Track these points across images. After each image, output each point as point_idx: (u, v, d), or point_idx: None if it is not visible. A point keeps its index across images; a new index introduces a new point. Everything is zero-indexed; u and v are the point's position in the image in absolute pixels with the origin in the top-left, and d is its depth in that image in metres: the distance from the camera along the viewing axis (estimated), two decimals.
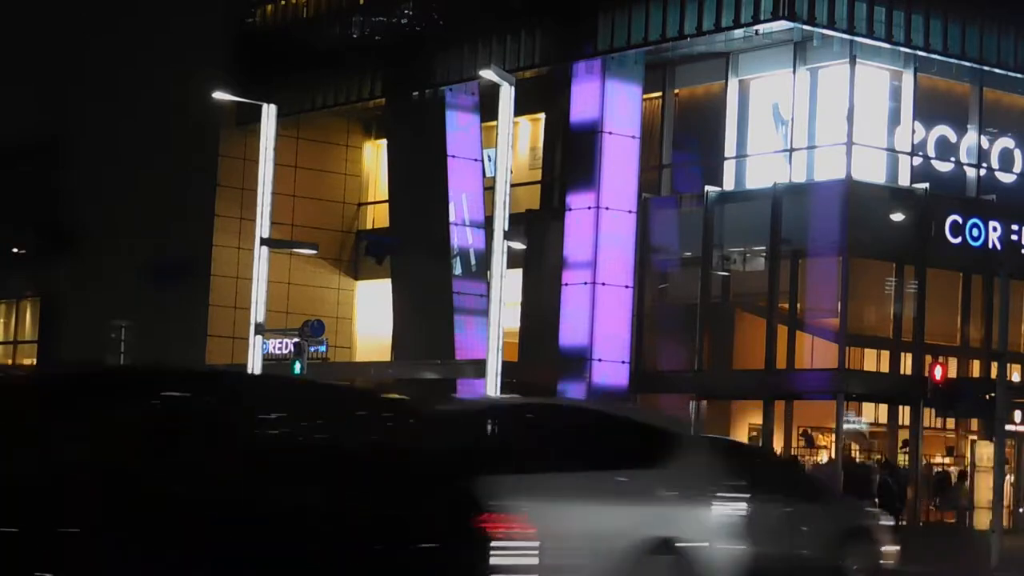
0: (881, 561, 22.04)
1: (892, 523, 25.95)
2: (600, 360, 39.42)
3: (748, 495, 16.10)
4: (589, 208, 39.92)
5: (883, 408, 39.60)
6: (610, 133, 39.92)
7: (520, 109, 37.68)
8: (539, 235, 41.97)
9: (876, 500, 33.18)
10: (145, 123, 50.04)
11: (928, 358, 37.44)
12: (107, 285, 50.59)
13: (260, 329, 40.92)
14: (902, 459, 38.56)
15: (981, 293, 39.52)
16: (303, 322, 42.61)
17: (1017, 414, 37.78)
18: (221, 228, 48.74)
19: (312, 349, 43.70)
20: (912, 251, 38.34)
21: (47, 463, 8.85)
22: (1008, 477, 37.76)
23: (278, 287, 45.60)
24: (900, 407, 38.64)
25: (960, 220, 38.63)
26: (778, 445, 38.06)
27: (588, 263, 39.71)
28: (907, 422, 38.58)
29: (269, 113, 41.53)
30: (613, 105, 40.05)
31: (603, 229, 39.72)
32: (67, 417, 9.09)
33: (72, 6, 52.73)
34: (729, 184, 40.36)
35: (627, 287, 39.89)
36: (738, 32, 38.07)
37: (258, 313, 40.85)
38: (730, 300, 40.74)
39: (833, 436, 37.73)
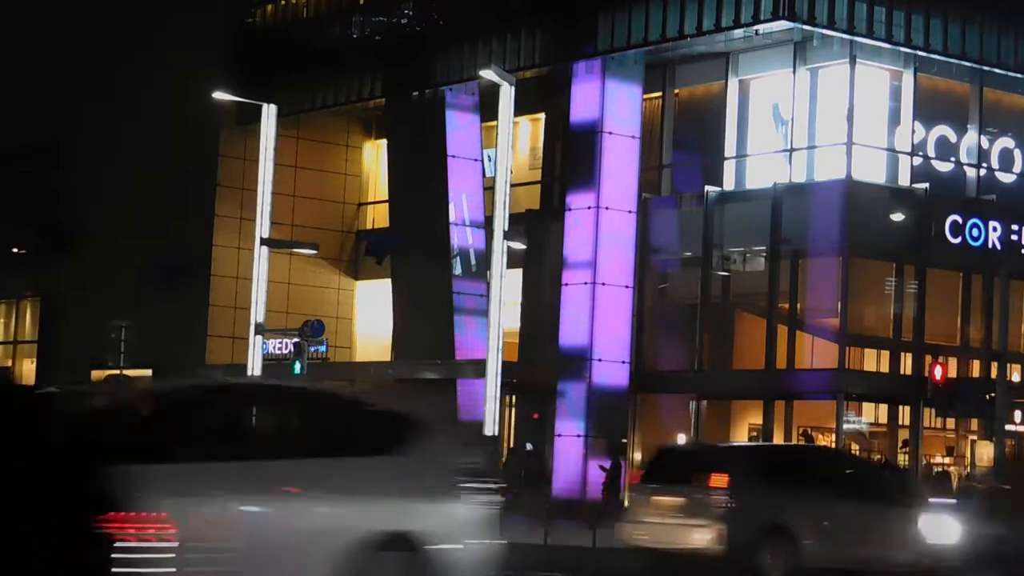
0: None
1: None
2: (600, 360, 39.43)
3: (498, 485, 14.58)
4: (589, 208, 39.92)
5: (883, 408, 39.60)
6: (610, 133, 39.92)
7: (520, 109, 37.72)
8: (539, 235, 41.96)
9: None
10: (145, 123, 50.03)
11: (928, 358, 37.48)
12: (107, 285, 50.59)
13: (260, 329, 40.93)
14: (902, 459, 38.57)
15: (981, 293, 39.53)
16: (303, 322, 42.62)
17: (1017, 414, 37.82)
18: (221, 228, 48.73)
19: (312, 349, 43.70)
20: (912, 251, 38.35)
21: None
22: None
23: (278, 287, 45.59)
24: (900, 407, 38.65)
25: (960, 220, 38.64)
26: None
27: (588, 263, 39.71)
28: (907, 422, 38.59)
29: (269, 113, 41.53)
30: (613, 105, 40.05)
31: (603, 229, 39.72)
32: None
33: (72, 6, 52.72)
34: (729, 184, 40.36)
35: (627, 287, 39.89)
36: (738, 32, 38.07)
37: (258, 313, 40.87)
38: (730, 300, 40.74)
39: (833, 436, 37.72)
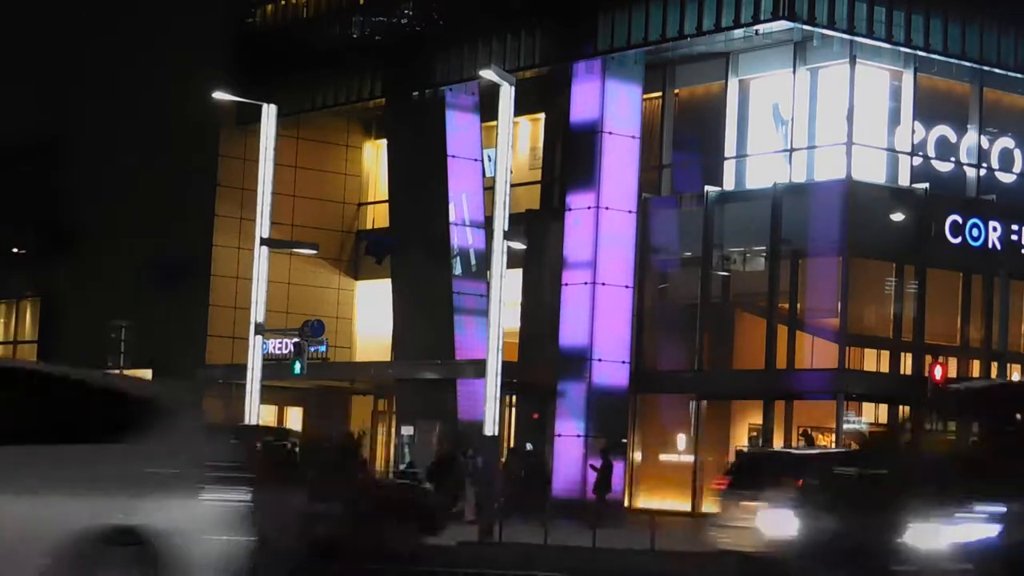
0: None
1: None
2: (600, 360, 39.43)
3: (248, 478, 13.42)
4: (589, 208, 39.92)
5: (883, 408, 39.59)
6: (610, 133, 39.93)
7: (520, 109, 37.67)
8: (539, 235, 41.95)
9: None
10: (145, 123, 50.03)
11: (928, 358, 37.45)
12: (107, 285, 50.60)
13: (260, 329, 40.92)
14: None
15: (981, 293, 39.52)
16: (303, 322, 42.63)
17: (1017, 414, 37.75)
18: (221, 228, 48.73)
19: (312, 349, 43.73)
20: (912, 251, 38.34)
21: None
22: None
23: (278, 287, 45.59)
24: (900, 407, 38.63)
25: (960, 220, 38.64)
26: (779, 445, 38.03)
27: (588, 263, 39.72)
28: None
29: (269, 113, 41.53)
30: (613, 105, 40.05)
31: (603, 229, 39.72)
32: None
33: (72, 6, 52.71)
34: (729, 184, 40.37)
35: (627, 287, 39.90)
36: (738, 32, 38.07)
37: (258, 313, 40.86)
38: (730, 300, 40.74)
39: (833, 436, 37.72)
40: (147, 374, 47.81)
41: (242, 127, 47.12)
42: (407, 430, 43.87)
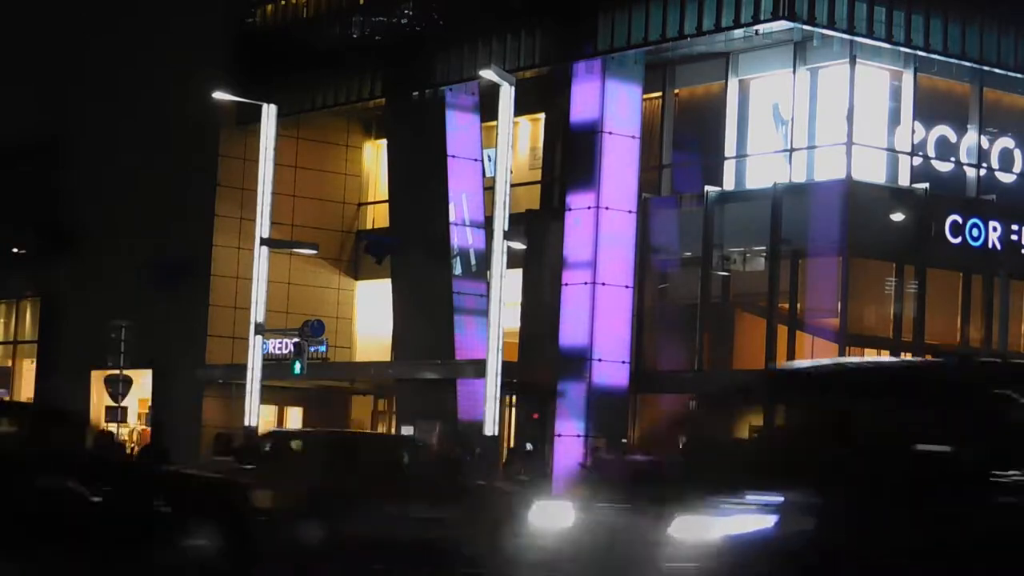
0: None
1: None
2: (600, 360, 39.42)
3: None
4: (589, 208, 39.92)
5: None
6: (610, 133, 39.92)
7: (520, 109, 37.76)
8: (539, 235, 41.95)
9: None
10: (145, 123, 50.04)
11: (928, 358, 37.43)
12: (107, 285, 50.60)
13: (260, 329, 40.96)
14: None
15: (981, 293, 39.52)
16: (303, 322, 42.67)
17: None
18: (221, 228, 48.72)
19: (312, 349, 43.75)
20: (912, 251, 38.35)
21: None
22: None
23: (278, 287, 45.62)
24: None
25: (960, 220, 38.64)
26: None
27: (588, 263, 39.72)
28: None
29: (269, 113, 41.56)
30: (613, 105, 40.05)
31: (603, 229, 39.72)
32: None
33: (72, 6, 52.72)
34: (729, 184, 40.37)
35: (627, 287, 39.89)
36: (738, 32, 38.07)
37: (258, 313, 40.90)
38: (730, 300, 40.74)
39: None
40: (147, 374, 47.89)
41: (242, 127, 47.13)
42: (407, 430, 43.87)
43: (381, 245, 47.71)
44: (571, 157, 41.88)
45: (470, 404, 40.58)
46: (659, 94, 41.83)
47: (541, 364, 40.22)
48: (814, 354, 38.53)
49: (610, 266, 39.72)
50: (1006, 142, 40.77)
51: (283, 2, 49.78)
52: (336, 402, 49.76)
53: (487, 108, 41.82)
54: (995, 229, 39.06)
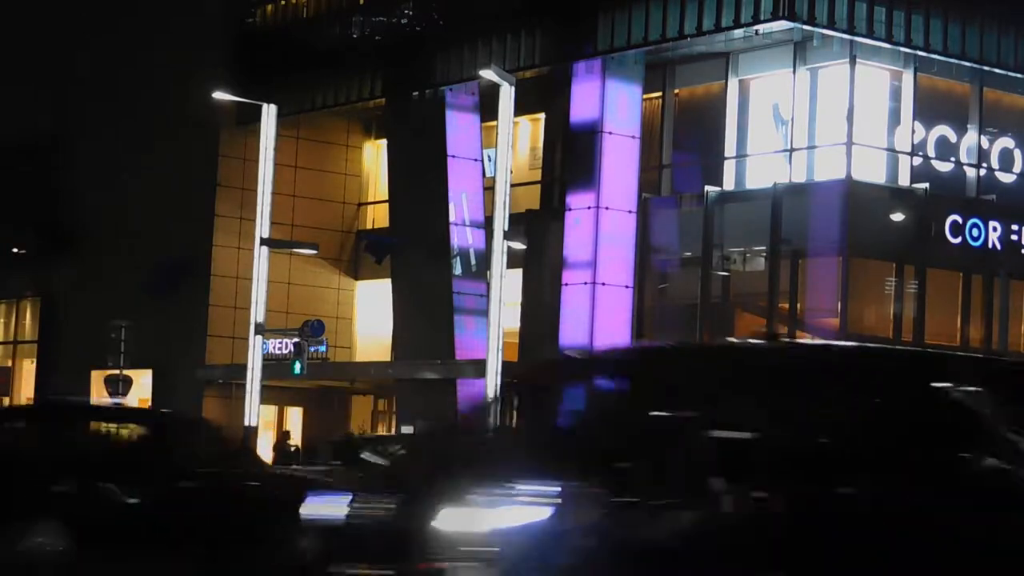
0: None
1: None
2: None
3: None
4: (589, 208, 39.92)
5: None
6: (610, 133, 39.93)
7: (520, 109, 37.72)
8: (539, 235, 41.96)
9: None
10: (145, 123, 50.04)
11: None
12: (107, 285, 50.60)
13: (260, 329, 40.94)
14: None
15: (981, 293, 39.52)
16: (303, 322, 42.66)
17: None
18: (221, 228, 48.74)
19: (312, 349, 43.74)
20: (912, 251, 38.34)
21: None
22: None
23: (278, 287, 45.61)
24: None
25: (960, 220, 38.63)
26: None
27: (588, 263, 39.72)
28: None
29: (269, 113, 41.54)
30: (613, 105, 40.05)
31: (603, 229, 39.72)
32: None
33: (72, 6, 52.72)
34: (729, 184, 40.36)
35: (627, 287, 39.89)
36: (738, 32, 38.07)
37: (258, 313, 40.88)
38: (730, 300, 40.72)
39: None
40: (147, 374, 47.90)
41: (242, 127, 47.13)
42: (407, 430, 43.86)
43: (381, 245, 47.74)
44: (571, 157, 41.89)
45: (470, 404, 40.57)
46: (659, 94, 41.83)
47: None
48: None
49: (610, 266, 39.72)
50: (1006, 142, 40.77)
51: (283, 2, 49.79)
52: (336, 402, 49.78)
53: (487, 108, 41.82)
54: (995, 229, 39.06)
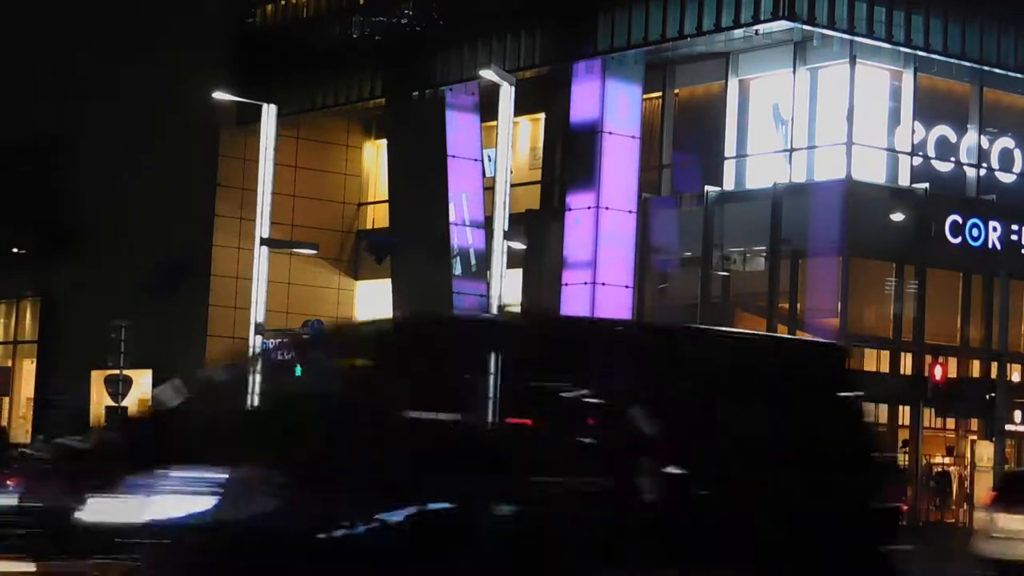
0: None
1: None
2: None
3: None
4: (589, 208, 39.92)
5: (883, 408, 39.58)
6: (610, 133, 39.93)
7: (520, 109, 37.75)
8: (539, 235, 41.97)
9: None
10: (145, 123, 50.04)
11: (928, 358, 37.48)
12: (107, 285, 50.60)
13: (260, 329, 40.96)
14: (902, 459, 38.55)
15: (981, 293, 39.52)
16: (303, 322, 42.67)
17: (1017, 414, 37.85)
18: (221, 228, 48.73)
19: None
20: (912, 251, 38.34)
21: None
22: None
23: (278, 287, 45.62)
24: (900, 407, 38.63)
25: (960, 220, 38.64)
26: None
27: (588, 263, 39.72)
28: (907, 422, 38.58)
29: (269, 113, 41.56)
30: (613, 105, 40.05)
31: (603, 229, 39.72)
32: None
33: (72, 6, 52.72)
34: (729, 184, 40.36)
35: (627, 287, 39.89)
36: (738, 32, 38.06)
37: (258, 313, 40.91)
38: (730, 300, 40.72)
39: None
40: (147, 374, 47.89)
41: (242, 127, 47.13)
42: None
43: (381, 245, 47.72)
44: (571, 157, 41.89)
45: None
46: (659, 94, 41.83)
47: None
48: None
49: (610, 266, 39.71)
50: (1006, 142, 40.77)
51: (283, 2, 49.79)
52: None
53: (487, 108, 41.81)
54: (995, 229, 39.06)
